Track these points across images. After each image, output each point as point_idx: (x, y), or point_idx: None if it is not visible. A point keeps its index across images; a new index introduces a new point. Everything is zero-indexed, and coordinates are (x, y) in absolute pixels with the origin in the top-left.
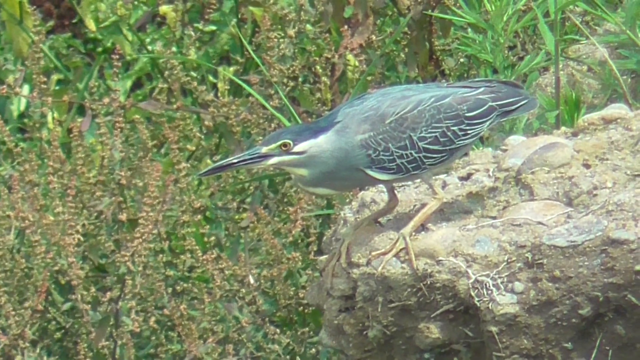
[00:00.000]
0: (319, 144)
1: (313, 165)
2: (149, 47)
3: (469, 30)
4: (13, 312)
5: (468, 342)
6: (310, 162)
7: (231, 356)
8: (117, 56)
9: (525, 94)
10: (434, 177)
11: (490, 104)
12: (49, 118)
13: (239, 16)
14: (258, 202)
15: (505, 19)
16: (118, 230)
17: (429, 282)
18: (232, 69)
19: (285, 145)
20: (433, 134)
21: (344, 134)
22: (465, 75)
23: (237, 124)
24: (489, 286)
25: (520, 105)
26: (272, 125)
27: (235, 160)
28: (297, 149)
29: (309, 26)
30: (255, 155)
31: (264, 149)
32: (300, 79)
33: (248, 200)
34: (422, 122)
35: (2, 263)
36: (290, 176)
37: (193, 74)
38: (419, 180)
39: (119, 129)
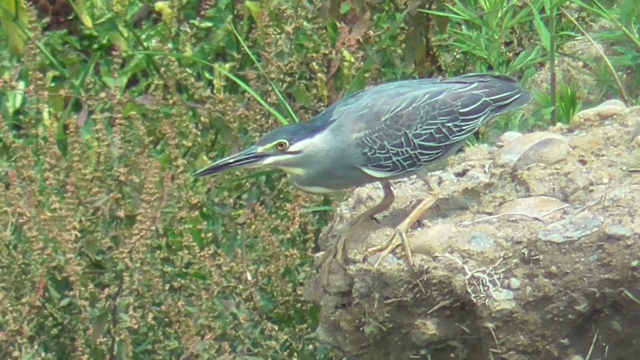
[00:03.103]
0: (315, 143)
1: (309, 165)
2: (145, 44)
3: (463, 26)
4: (10, 308)
5: (464, 338)
6: (306, 161)
7: (228, 353)
8: (117, 53)
9: (518, 87)
10: (429, 173)
11: (484, 99)
12: (45, 114)
13: (235, 12)
14: (255, 198)
15: (499, 15)
16: (116, 227)
17: (425, 279)
18: (228, 65)
19: (281, 144)
20: (428, 131)
21: (339, 132)
22: (462, 71)
23: (234, 120)
24: (485, 282)
25: (514, 99)
26: (269, 121)
27: (231, 160)
28: (293, 148)
29: (305, 23)
30: (251, 155)
31: (260, 149)
32: (296, 75)
33: (244, 196)
34: (417, 119)
35: None
36: (286, 173)
37: (189, 70)
38: (414, 177)
39: (118, 125)
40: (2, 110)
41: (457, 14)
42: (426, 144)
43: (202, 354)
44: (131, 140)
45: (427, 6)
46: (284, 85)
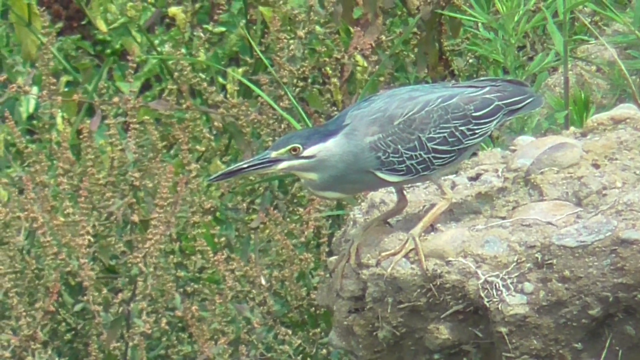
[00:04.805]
0: (328, 147)
1: (323, 169)
2: (158, 49)
3: (480, 28)
4: (24, 314)
5: (478, 342)
6: (320, 166)
7: (246, 356)
8: (131, 58)
9: (530, 91)
10: (442, 178)
11: (496, 103)
12: (58, 119)
13: (248, 17)
14: (268, 202)
15: (516, 19)
16: (129, 232)
17: (438, 283)
18: (241, 70)
19: (294, 149)
20: (441, 135)
21: (352, 137)
22: (475, 75)
23: (247, 125)
24: (499, 287)
25: (527, 104)
26: (282, 125)
27: (245, 165)
28: (306, 153)
29: (318, 27)
30: (264, 160)
31: (274, 154)
32: (309, 80)
33: (258, 201)
34: (430, 122)
35: (13, 264)
36: (299, 178)
37: (202, 75)
38: (428, 181)
39: (133, 130)
40: (16, 115)
41: (474, 17)
42: (439, 147)
43: (215, 358)
44: (145, 145)
45: (440, 9)
46: (297, 89)
